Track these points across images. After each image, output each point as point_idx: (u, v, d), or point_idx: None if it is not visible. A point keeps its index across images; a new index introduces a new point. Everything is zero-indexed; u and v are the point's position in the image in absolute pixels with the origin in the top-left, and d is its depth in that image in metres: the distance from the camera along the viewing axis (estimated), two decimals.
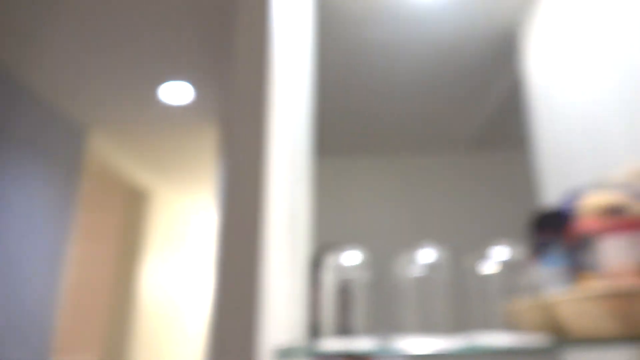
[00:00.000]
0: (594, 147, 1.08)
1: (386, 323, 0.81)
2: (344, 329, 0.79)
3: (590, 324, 0.65)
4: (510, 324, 0.78)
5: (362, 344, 0.75)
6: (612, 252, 0.64)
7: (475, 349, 0.69)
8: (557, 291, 0.77)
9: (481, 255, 0.82)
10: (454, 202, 1.70)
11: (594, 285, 0.67)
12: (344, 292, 0.80)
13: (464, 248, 0.93)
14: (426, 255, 0.78)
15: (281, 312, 0.76)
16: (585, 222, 0.71)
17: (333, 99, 1.81)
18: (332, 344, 0.75)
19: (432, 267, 0.77)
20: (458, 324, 0.77)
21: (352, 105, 1.85)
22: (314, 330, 0.85)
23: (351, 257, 0.81)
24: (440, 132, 1.89)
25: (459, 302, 0.80)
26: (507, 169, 1.66)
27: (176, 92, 2.11)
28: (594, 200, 0.72)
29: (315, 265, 0.91)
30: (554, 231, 0.81)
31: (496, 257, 0.81)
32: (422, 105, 1.84)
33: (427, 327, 0.76)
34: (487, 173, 1.74)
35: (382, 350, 0.72)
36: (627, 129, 0.97)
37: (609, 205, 0.68)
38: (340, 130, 1.93)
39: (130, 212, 3.10)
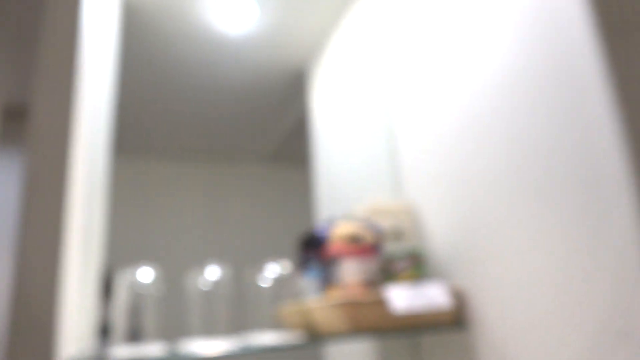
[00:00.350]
0: (351, 182, 1.37)
1: (177, 331, 0.93)
2: (135, 337, 0.88)
3: (332, 325, 0.88)
4: (279, 326, 0.97)
5: (151, 349, 0.85)
6: (348, 270, 0.88)
7: (248, 349, 0.86)
8: (313, 299, 0.99)
9: (259, 269, 1.00)
10: (247, 213, 1.88)
11: (334, 295, 0.90)
12: (136, 305, 0.89)
13: (250, 258, 1.09)
14: (212, 272, 0.92)
15: (73, 322, 0.81)
16: (334, 245, 0.94)
17: (139, 102, 1.84)
18: (122, 350, 0.84)
19: (216, 282, 0.91)
20: (237, 328, 0.93)
21: (159, 110, 1.91)
22: (105, 338, 0.92)
23: (144, 273, 0.90)
24: (240, 146, 2.07)
25: (239, 309, 0.96)
26: (296, 186, 1.91)
27: None
28: (341, 229, 0.95)
29: (108, 277, 0.97)
30: (314, 250, 1.03)
31: (270, 271, 0.99)
32: (226, 119, 1.99)
33: (211, 332, 0.90)
34: (278, 189, 1.97)
35: (170, 354, 0.83)
36: (376, 167, 1.27)
37: (350, 234, 0.92)
38: (145, 134, 1.96)
39: None
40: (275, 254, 1.32)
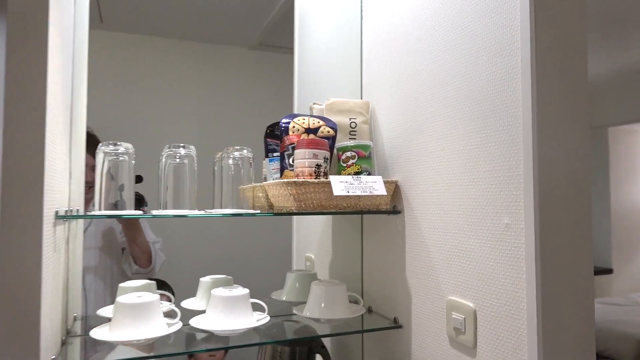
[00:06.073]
0: (319, 79, 1.45)
1: (151, 200, 1.07)
2: (114, 202, 1.01)
3: (283, 202, 1.02)
4: (240, 201, 1.11)
5: (125, 213, 0.99)
6: (300, 158, 1.00)
7: (210, 215, 1.00)
8: (272, 180, 1.12)
9: (227, 152, 1.10)
10: (229, 98, 1.95)
11: (287, 177, 1.03)
12: (114, 174, 1.02)
13: (225, 141, 1.19)
14: (183, 149, 1.03)
15: (61, 187, 0.94)
16: (291, 137, 1.05)
17: None
18: (101, 212, 0.98)
19: (187, 157, 1.03)
20: (204, 200, 1.08)
21: None
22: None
23: (122, 146, 1.01)
24: (227, 29, 2.10)
25: (208, 186, 1.09)
26: (279, 72, 1.96)
27: None
28: (298, 122, 1.06)
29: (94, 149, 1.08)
30: (276, 139, 1.14)
31: (238, 155, 1.10)
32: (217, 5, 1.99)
33: (181, 203, 1.04)
34: (262, 73, 2.01)
35: (141, 215, 0.98)
36: (339, 73, 1.34)
37: (305, 127, 1.03)
38: (130, 8, 1.97)
39: None
40: (251, 140, 1.43)
